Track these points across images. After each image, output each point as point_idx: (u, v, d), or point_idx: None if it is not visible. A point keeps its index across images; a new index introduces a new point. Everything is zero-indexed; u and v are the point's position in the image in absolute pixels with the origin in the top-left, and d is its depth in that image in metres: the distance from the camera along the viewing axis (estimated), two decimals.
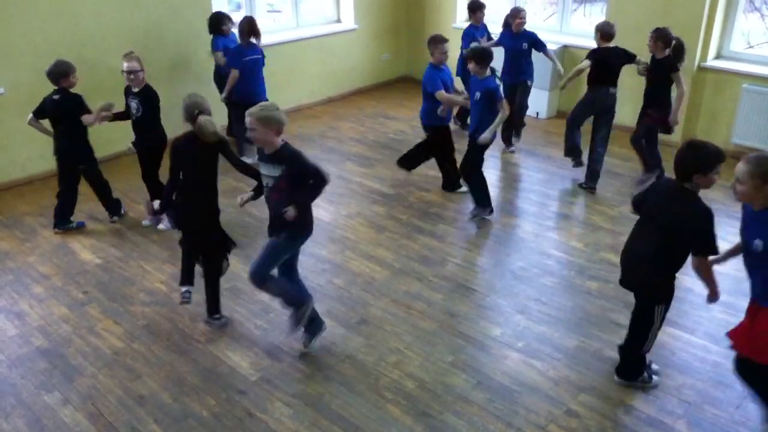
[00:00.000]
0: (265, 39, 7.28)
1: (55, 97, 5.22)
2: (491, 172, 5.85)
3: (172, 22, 7.07)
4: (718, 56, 7.16)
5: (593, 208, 5.98)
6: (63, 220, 5.61)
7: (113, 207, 5.80)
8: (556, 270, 5.02)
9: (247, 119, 3.61)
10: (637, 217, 3.72)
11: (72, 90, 5.28)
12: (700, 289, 4.72)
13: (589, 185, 6.30)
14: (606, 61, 5.96)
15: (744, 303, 4.57)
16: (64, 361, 4.09)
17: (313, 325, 4.13)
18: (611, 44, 6.02)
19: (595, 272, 4.98)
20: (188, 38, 7.24)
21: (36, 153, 6.50)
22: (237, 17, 7.04)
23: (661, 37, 5.73)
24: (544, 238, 5.49)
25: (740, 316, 4.41)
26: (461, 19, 9.01)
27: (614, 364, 3.99)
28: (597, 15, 8.53)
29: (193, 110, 4.04)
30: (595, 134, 6.20)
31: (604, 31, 6.00)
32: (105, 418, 3.64)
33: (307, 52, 8.34)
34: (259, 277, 3.86)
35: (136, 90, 5.36)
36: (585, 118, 6.32)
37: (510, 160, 7.03)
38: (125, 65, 5.27)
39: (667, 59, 5.79)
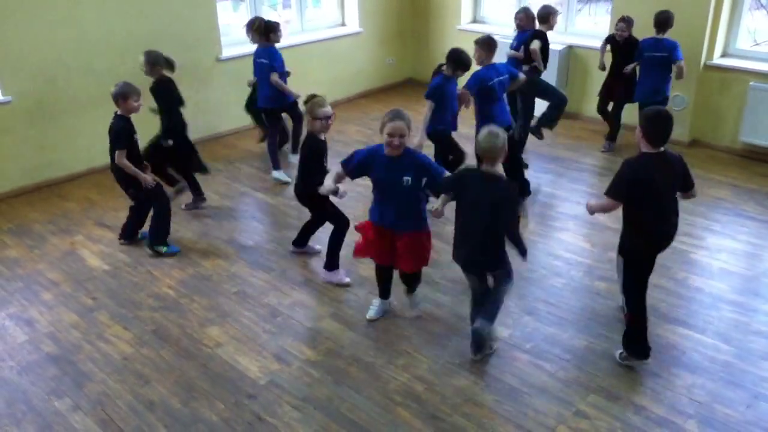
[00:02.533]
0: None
1: (111, 121, 5.01)
2: None
3: (177, 29, 7.10)
4: (724, 54, 7.13)
5: None
6: (155, 240, 5.35)
7: (150, 236, 5.37)
8: (564, 271, 5.01)
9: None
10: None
11: (130, 115, 5.01)
12: (710, 288, 4.73)
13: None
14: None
15: (754, 302, 4.58)
16: (73, 367, 4.11)
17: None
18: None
19: (603, 272, 4.96)
20: (194, 45, 7.27)
21: (44, 161, 6.54)
22: (238, 16, 7.00)
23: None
24: (552, 239, 5.48)
25: (751, 315, 4.43)
26: (465, 21, 9.01)
27: (623, 364, 3.99)
28: (602, 15, 8.51)
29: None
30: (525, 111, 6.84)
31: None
32: (115, 424, 3.65)
33: (312, 55, 8.35)
34: None
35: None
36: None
37: None
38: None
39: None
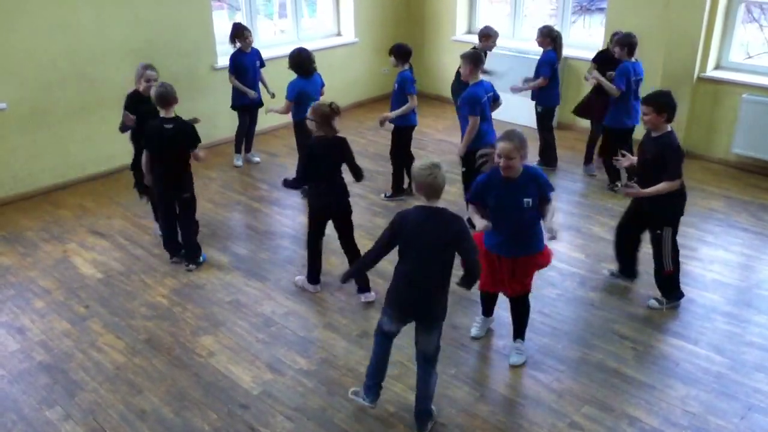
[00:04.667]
0: (268, 52, 7.35)
1: (168, 126, 4.82)
2: None
3: (173, 36, 7.11)
4: (717, 67, 7.18)
5: (595, 218, 5.98)
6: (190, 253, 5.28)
7: (194, 250, 5.28)
8: (558, 281, 5.01)
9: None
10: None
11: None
12: (704, 300, 4.74)
13: None
14: None
15: (747, 313, 4.59)
16: (65, 376, 4.08)
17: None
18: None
19: (597, 283, 4.97)
20: (190, 52, 7.28)
21: (38, 168, 6.51)
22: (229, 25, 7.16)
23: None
24: None
25: (744, 326, 4.43)
26: (460, 32, 9.05)
27: (617, 375, 3.99)
28: (596, 26, 8.56)
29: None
30: None
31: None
32: None
33: None
34: None
35: None
36: None
37: None
38: None
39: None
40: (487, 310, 4.40)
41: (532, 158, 7.20)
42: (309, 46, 8.36)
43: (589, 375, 4.01)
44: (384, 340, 3.64)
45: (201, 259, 5.31)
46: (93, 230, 5.87)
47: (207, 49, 7.45)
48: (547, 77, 6.61)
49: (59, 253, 5.51)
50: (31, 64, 6.24)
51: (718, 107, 7.06)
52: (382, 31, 9.31)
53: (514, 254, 3.91)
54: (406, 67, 6.11)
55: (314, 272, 4.91)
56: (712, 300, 4.75)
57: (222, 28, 7.82)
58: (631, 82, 6.08)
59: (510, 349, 4.20)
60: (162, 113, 4.85)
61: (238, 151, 7.30)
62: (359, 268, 4.09)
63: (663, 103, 4.23)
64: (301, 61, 6.02)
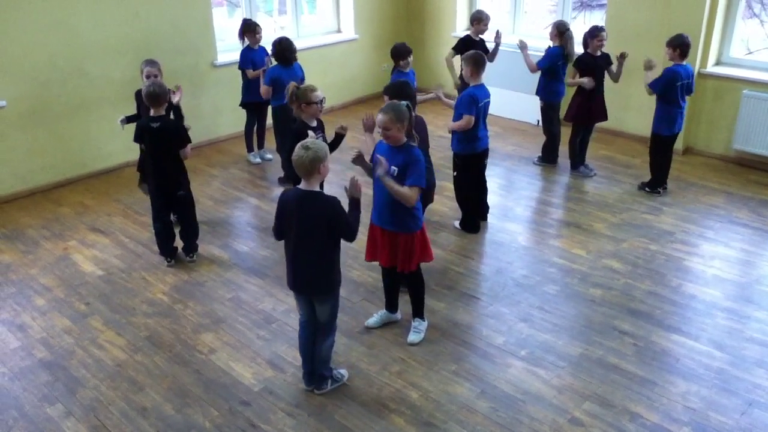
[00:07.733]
0: (267, 50, 7.33)
1: (154, 124, 4.82)
2: (492, 180, 5.86)
3: (171, 34, 7.10)
4: (717, 63, 7.17)
5: (595, 215, 5.98)
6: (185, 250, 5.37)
7: (193, 244, 5.37)
8: (559, 278, 5.01)
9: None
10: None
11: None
12: (704, 296, 4.73)
13: None
14: None
15: (748, 309, 4.59)
16: (66, 373, 4.08)
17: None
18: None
19: (598, 279, 4.97)
20: (187, 50, 7.27)
21: (38, 165, 6.51)
22: (233, 21, 7.08)
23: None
24: (546, 246, 5.48)
25: (745, 322, 4.44)
26: (461, 28, 9.04)
27: (618, 371, 3.99)
28: (597, 22, 8.53)
29: None
30: None
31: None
32: (108, 430, 3.62)
33: (307, 62, 8.33)
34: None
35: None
36: None
37: (511, 168, 7.04)
38: None
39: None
40: (389, 303, 4.48)
41: (535, 153, 7.24)
42: (309, 43, 8.45)
43: (590, 371, 4.01)
44: (301, 328, 3.86)
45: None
46: (93, 227, 5.87)
47: (207, 46, 7.44)
48: (539, 67, 6.63)
49: (60, 250, 5.51)
50: (29, 62, 6.23)
51: (719, 103, 7.05)
52: (382, 27, 9.30)
53: (381, 224, 4.08)
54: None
55: None
56: (712, 296, 4.75)
57: (221, 25, 7.82)
58: (676, 87, 5.89)
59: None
60: (151, 111, 4.86)
61: (250, 149, 7.25)
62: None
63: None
64: (282, 49, 6.26)
